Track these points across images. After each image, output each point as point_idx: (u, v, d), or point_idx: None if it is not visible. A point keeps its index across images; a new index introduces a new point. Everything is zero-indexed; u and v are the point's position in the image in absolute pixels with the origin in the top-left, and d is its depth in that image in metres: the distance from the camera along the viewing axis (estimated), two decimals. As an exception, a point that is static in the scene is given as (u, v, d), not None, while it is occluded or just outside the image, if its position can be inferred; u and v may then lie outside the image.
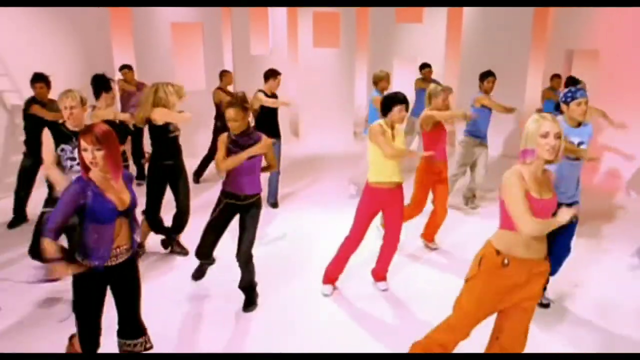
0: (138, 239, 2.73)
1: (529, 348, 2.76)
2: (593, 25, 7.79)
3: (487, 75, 5.98)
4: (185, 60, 9.12)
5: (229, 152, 3.64)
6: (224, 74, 7.34)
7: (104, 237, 2.49)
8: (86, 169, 2.46)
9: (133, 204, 2.62)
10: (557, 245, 3.59)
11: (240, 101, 3.61)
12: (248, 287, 3.96)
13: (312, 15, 9.87)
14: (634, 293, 4.33)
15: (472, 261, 2.67)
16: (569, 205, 3.57)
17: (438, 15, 9.46)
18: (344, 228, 4.88)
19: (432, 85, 5.00)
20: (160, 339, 3.10)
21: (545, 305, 3.99)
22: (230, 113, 3.57)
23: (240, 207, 3.79)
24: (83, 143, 2.39)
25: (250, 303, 3.96)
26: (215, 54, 9.05)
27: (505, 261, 2.51)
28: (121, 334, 2.76)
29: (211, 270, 4.36)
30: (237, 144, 3.64)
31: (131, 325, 2.75)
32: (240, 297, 4.00)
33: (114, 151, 2.45)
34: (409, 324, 3.82)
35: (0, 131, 6.59)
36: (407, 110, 3.89)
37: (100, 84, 4.91)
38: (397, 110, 3.81)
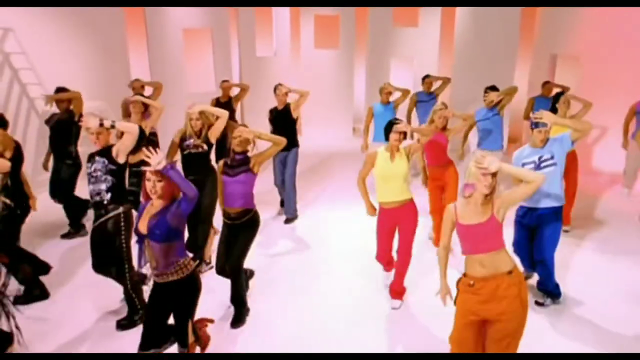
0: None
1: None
2: (575, 32, 8.44)
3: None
4: (196, 63, 9.67)
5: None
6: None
7: (152, 254, 2.98)
8: (146, 195, 2.97)
9: (151, 230, 2.89)
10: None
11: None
12: (238, 302, 4.08)
13: (313, 18, 10.44)
14: (614, 286, 4.65)
15: None
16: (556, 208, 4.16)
17: (432, 19, 10.04)
18: (354, 226, 5.32)
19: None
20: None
21: (540, 304, 4.32)
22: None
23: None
24: (148, 174, 2.86)
25: (237, 320, 4.05)
26: (223, 56, 9.64)
27: (471, 282, 2.93)
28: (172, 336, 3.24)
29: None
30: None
31: (179, 335, 3.17)
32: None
33: (171, 182, 2.89)
34: (425, 339, 3.91)
35: (32, 134, 7.20)
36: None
37: None
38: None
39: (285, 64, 10.54)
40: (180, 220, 2.96)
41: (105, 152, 3.89)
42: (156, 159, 2.79)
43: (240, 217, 4.02)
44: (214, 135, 4.88)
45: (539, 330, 3.97)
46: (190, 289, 3.06)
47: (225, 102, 7.85)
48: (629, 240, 5.75)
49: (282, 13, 10.37)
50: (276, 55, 10.58)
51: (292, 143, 6.22)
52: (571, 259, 5.26)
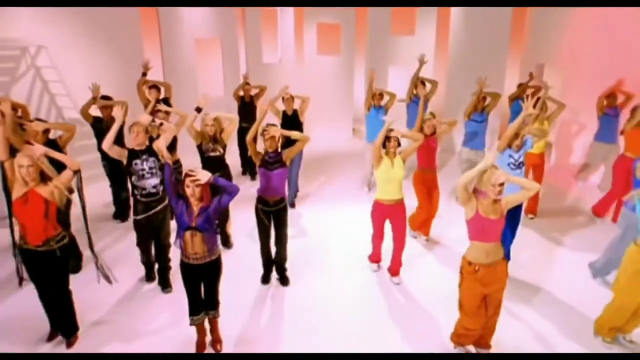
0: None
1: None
2: (560, 43, 9.07)
3: None
4: (207, 70, 10.31)
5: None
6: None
7: (183, 241, 3.62)
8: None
9: (201, 224, 3.52)
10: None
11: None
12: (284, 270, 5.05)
13: (316, 27, 11.05)
14: (577, 281, 5.08)
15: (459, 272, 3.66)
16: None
17: (428, 28, 10.64)
18: (353, 225, 5.60)
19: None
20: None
21: None
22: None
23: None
24: (187, 181, 3.51)
25: (286, 281, 4.97)
26: (232, 63, 10.29)
27: (476, 268, 3.52)
28: (205, 308, 3.90)
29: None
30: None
31: (210, 304, 3.89)
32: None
33: (206, 186, 3.56)
34: (426, 338, 4.12)
35: (60, 139, 7.87)
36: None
37: None
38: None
39: (289, 70, 11.17)
40: (219, 212, 3.65)
41: (152, 150, 4.52)
42: (205, 175, 3.49)
43: (277, 204, 4.77)
44: (227, 137, 5.51)
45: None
46: (219, 266, 3.83)
47: (249, 102, 8.51)
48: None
49: (287, 22, 11.00)
50: (281, 62, 11.21)
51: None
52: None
